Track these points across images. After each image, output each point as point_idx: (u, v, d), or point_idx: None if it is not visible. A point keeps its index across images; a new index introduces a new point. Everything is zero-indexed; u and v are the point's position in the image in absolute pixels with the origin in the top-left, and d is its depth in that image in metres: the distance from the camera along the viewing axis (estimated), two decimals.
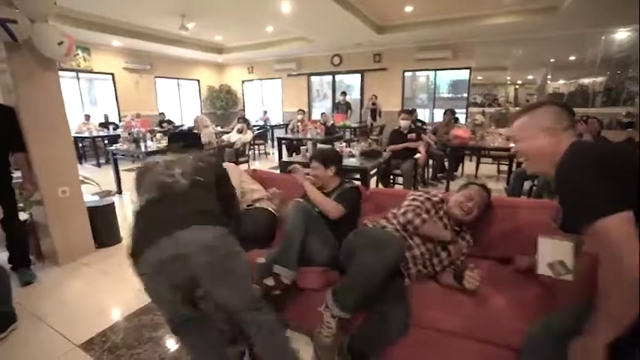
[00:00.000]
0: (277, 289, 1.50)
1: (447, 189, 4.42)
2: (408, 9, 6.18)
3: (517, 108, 7.85)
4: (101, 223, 2.89)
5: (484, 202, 1.66)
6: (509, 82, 8.12)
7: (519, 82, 8.16)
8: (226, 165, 2.26)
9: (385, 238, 1.41)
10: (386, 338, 1.35)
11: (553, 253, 1.12)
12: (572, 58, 7.31)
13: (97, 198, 3.12)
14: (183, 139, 1.73)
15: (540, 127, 0.99)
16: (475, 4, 5.85)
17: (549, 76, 7.60)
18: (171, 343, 1.75)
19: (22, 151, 2.32)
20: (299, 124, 6.00)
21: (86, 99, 8.20)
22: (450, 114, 5.60)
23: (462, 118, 7.97)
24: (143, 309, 2.04)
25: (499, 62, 7.94)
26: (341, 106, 8.42)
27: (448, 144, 4.67)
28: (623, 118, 6.51)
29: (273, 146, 8.66)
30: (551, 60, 7.44)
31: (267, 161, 7.33)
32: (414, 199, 1.64)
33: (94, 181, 3.34)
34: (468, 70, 8.26)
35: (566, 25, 6.23)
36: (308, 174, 1.93)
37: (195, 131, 3.52)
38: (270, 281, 1.50)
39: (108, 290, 2.31)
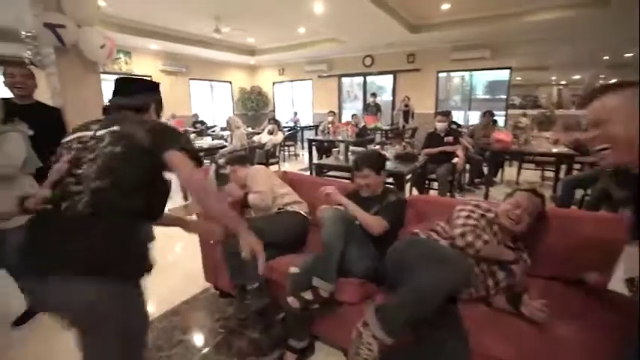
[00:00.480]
0: (316, 302, 1.42)
1: (486, 196, 4.16)
2: (445, 6, 5.93)
3: (561, 110, 7.36)
4: None
5: (536, 208, 1.47)
6: (553, 83, 7.62)
7: (563, 82, 7.64)
8: (256, 167, 2.23)
9: (450, 255, 1.26)
10: None
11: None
12: (627, 55, 6.72)
13: None
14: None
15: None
16: (518, 0, 5.51)
17: (602, 76, 7.03)
18: (200, 348, 1.72)
19: None
20: (330, 125, 5.93)
21: None
22: (489, 116, 5.30)
23: (500, 120, 7.56)
24: (174, 310, 2.05)
25: (542, 61, 7.48)
26: (370, 108, 8.27)
27: (488, 148, 4.40)
28: None
29: (302, 147, 8.65)
30: (605, 58, 6.87)
31: (297, 163, 7.32)
32: (467, 217, 1.46)
33: None
34: (507, 71, 7.82)
35: (622, 18, 5.71)
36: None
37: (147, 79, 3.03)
38: (308, 295, 1.42)
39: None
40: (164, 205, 1.10)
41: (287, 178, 2.37)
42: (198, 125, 8.39)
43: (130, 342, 0.96)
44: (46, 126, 2.27)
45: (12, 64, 2.11)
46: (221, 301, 2.14)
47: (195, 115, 8.93)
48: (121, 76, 1.39)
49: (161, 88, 1.33)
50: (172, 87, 9.09)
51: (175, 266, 2.65)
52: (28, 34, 2.38)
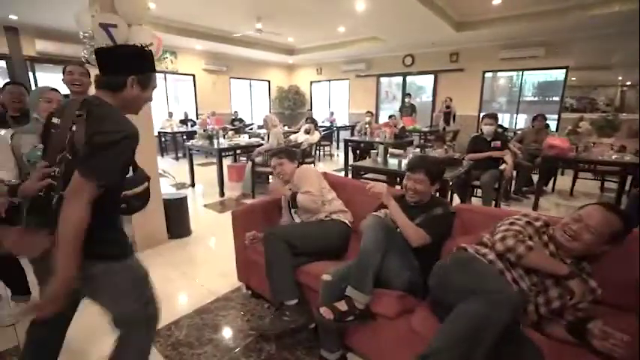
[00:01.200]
0: (351, 314, 1.33)
1: (535, 206, 3.83)
2: (496, 2, 5.55)
3: (624, 114, 6.62)
4: (175, 215, 3.05)
5: (610, 227, 1.17)
6: (617, 83, 6.88)
7: (628, 82, 6.87)
8: (306, 167, 2.16)
9: (495, 287, 1.10)
10: None
11: None
12: None
13: (173, 190, 3.29)
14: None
15: None
16: None
17: None
18: (230, 349, 1.70)
19: None
20: (367, 126, 5.79)
21: (171, 98, 9.03)
22: (542, 120, 4.89)
23: (551, 125, 6.98)
24: (205, 307, 2.06)
25: (604, 60, 6.77)
26: (405, 109, 7.99)
27: (540, 154, 4.05)
28: None
29: (337, 148, 8.58)
30: None
31: (332, 163, 7.25)
32: (511, 223, 1.32)
33: (171, 174, 3.55)
34: (562, 70, 7.21)
35: None
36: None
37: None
38: (342, 306, 1.34)
39: (175, 282, 2.38)
40: (119, 196, 1.19)
41: (327, 179, 2.30)
42: (236, 123, 8.61)
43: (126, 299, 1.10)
44: None
45: (71, 62, 2.24)
46: (253, 301, 2.11)
47: (235, 113, 9.18)
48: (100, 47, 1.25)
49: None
50: (214, 85, 9.41)
51: (209, 264, 2.67)
52: (86, 34, 2.51)
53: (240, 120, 9.06)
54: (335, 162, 7.36)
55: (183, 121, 8.21)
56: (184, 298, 2.20)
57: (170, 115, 8.02)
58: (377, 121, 8.80)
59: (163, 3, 5.42)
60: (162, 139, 7.85)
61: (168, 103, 8.78)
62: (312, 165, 4.84)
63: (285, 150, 2.21)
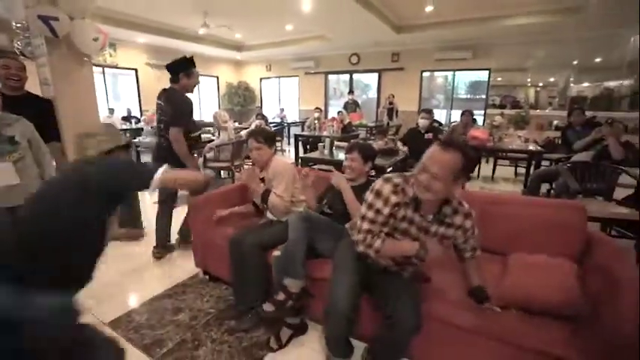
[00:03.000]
0: (289, 299, 1.57)
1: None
2: (429, 9, 6.11)
3: (538, 111, 7.71)
4: (125, 211, 3.02)
5: (452, 168, 1.16)
6: (529, 85, 7.96)
7: (540, 84, 7.99)
8: (285, 165, 2.07)
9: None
10: (399, 342, 1.34)
11: None
12: (597, 60, 7.10)
13: None
14: None
15: None
16: (497, 4, 5.77)
17: (572, 79, 7.41)
18: (192, 326, 1.84)
19: (57, 140, 2.46)
20: (316, 121, 6.06)
21: (110, 93, 8.49)
22: (469, 115, 5.55)
23: (480, 119, 7.87)
24: (163, 294, 2.15)
25: (520, 64, 7.79)
26: (350, 105, 8.44)
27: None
28: None
29: (289, 143, 8.76)
30: (575, 62, 7.25)
31: (283, 158, 7.43)
32: (362, 218, 1.38)
33: None
34: (487, 72, 8.14)
35: (592, 25, 6.06)
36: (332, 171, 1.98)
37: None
38: (280, 296, 1.58)
39: (132, 275, 2.42)
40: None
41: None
42: None
43: None
44: (37, 117, 2.32)
45: (7, 56, 2.16)
46: (211, 284, 2.25)
47: None
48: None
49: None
50: (158, 80, 9.00)
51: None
52: (19, 24, 2.41)
53: None
54: (286, 157, 7.55)
55: (126, 118, 7.80)
56: (142, 287, 2.26)
57: (111, 111, 7.56)
58: (326, 116, 9.14)
59: None
60: None
61: (107, 99, 8.26)
62: None
63: (266, 133, 2.10)
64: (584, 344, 1.16)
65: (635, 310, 1.04)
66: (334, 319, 1.39)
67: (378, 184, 1.36)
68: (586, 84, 7.42)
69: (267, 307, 1.58)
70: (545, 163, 4.56)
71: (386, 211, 1.33)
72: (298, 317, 1.76)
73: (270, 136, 2.10)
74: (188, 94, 2.47)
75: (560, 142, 4.87)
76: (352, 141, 2.37)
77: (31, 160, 1.90)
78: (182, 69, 2.38)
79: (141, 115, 8.33)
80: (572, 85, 7.44)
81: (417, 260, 1.42)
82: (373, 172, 2.09)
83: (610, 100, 7.11)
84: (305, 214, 1.75)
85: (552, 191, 3.51)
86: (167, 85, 2.42)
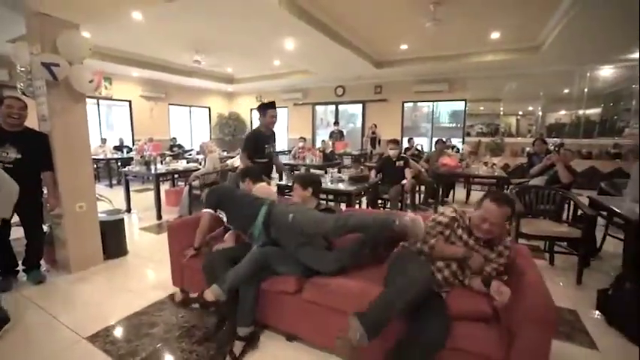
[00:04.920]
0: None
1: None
2: (403, 47, 6.70)
3: (518, 139, 8.18)
4: (110, 236, 3.21)
5: (504, 216, 1.61)
6: (502, 114, 8.48)
7: (520, 112, 8.50)
8: (264, 190, 2.43)
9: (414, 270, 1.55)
10: (424, 352, 1.41)
11: None
12: (565, 91, 7.66)
13: (105, 216, 3.36)
14: None
15: None
16: (464, 43, 6.34)
17: (539, 108, 7.95)
18: (164, 338, 2.00)
19: (51, 170, 2.70)
20: (300, 150, 6.40)
21: (104, 123, 8.82)
22: (442, 143, 5.93)
23: (460, 146, 8.29)
24: (143, 311, 2.31)
25: (493, 95, 8.35)
26: (335, 135, 8.88)
27: (436, 171, 4.97)
28: (612, 149, 6.75)
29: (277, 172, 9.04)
30: (541, 93, 7.82)
31: (270, 186, 7.66)
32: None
33: (107, 199, 3.69)
34: (463, 102, 8.69)
35: (551, 62, 6.66)
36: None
37: None
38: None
39: (112, 295, 2.58)
40: None
41: None
42: (175, 149, 8.68)
43: None
44: (34, 150, 2.59)
45: (11, 96, 2.45)
46: None
47: (174, 139, 9.22)
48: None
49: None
50: (151, 112, 9.41)
51: (144, 278, 2.91)
52: (22, 68, 2.72)
53: (180, 146, 9.13)
54: (273, 185, 7.78)
55: (118, 148, 8.07)
56: (120, 306, 2.40)
57: (103, 141, 7.84)
58: (313, 145, 9.54)
59: (98, 32, 5.58)
60: (95, 166, 7.59)
61: (100, 129, 8.57)
62: None
63: (247, 171, 2.58)
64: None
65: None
66: (418, 292, 1.45)
67: (441, 209, 1.90)
68: (563, 112, 7.90)
69: (207, 295, 1.86)
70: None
71: (445, 220, 1.73)
72: (251, 326, 1.89)
73: (251, 172, 2.56)
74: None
75: (526, 167, 5.24)
76: (294, 173, 2.70)
77: None
78: (259, 110, 3.45)
79: (133, 144, 8.63)
80: (547, 113, 7.92)
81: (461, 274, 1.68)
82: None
83: (583, 127, 7.57)
84: (255, 256, 1.91)
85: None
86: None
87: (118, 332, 2.08)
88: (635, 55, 6.15)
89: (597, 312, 2.28)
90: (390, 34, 5.89)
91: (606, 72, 7.09)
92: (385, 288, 1.57)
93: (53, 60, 2.46)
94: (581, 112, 7.54)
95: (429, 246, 1.68)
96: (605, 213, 2.98)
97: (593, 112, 7.41)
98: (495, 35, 5.80)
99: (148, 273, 3.01)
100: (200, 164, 5.35)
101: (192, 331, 2.07)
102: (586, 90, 7.24)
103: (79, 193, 2.91)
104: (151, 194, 6.28)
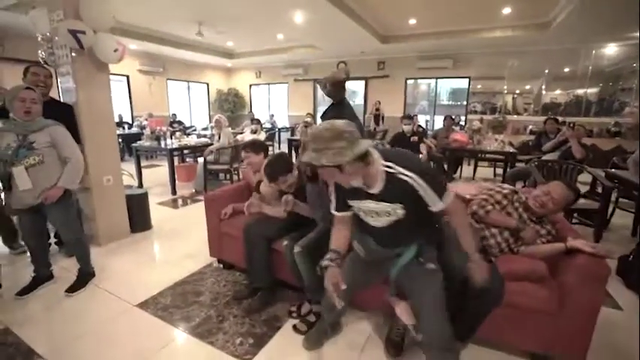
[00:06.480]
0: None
1: None
2: (412, 21, 6.58)
3: (515, 116, 8.27)
4: (136, 210, 3.22)
5: (565, 200, 1.70)
6: (506, 92, 8.51)
7: (517, 91, 8.54)
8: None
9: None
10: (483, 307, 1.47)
11: None
12: (566, 69, 7.71)
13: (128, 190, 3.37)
14: None
15: None
16: (474, 18, 6.26)
17: (543, 87, 8.01)
18: (214, 305, 2.07)
19: (78, 142, 2.65)
20: (305, 127, 6.37)
21: None
22: (450, 120, 5.97)
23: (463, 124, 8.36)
24: (183, 281, 2.37)
25: (497, 72, 8.34)
26: None
27: (447, 147, 5.03)
28: (612, 128, 6.91)
29: (279, 148, 9.01)
30: (546, 71, 7.85)
31: None
32: (483, 194, 1.85)
33: (129, 173, 3.67)
34: (467, 79, 8.67)
35: (559, 39, 6.65)
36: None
37: None
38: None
39: (147, 267, 2.62)
40: None
41: None
42: (175, 125, 8.51)
43: None
44: (60, 121, 2.52)
45: (37, 64, 2.36)
46: (225, 272, 2.49)
47: (174, 115, 9.03)
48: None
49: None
50: (149, 87, 9.14)
51: (176, 249, 2.93)
52: (42, 36, 2.61)
53: (180, 122, 8.96)
54: None
55: (119, 124, 7.87)
56: (160, 276, 2.44)
57: None
58: (315, 122, 9.46)
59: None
60: None
61: None
62: None
63: (251, 144, 2.44)
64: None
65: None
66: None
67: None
68: (559, 91, 8.01)
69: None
70: (519, 164, 5.00)
71: (505, 192, 1.81)
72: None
73: (254, 146, 2.42)
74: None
75: (532, 144, 5.34)
76: None
77: (55, 164, 2.06)
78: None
79: (132, 120, 8.43)
80: (544, 92, 8.02)
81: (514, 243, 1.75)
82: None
83: (579, 106, 7.72)
84: (305, 247, 1.83)
85: (525, 187, 3.90)
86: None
87: (167, 300, 2.14)
88: (636, 33, 6.20)
89: (617, 276, 2.43)
90: (401, 6, 5.76)
91: (610, 50, 7.12)
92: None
93: (79, 27, 2.37)
94: (581, 91, 7.63)
95: (485, 210, 1.76)
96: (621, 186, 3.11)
97: (591, 91, 7.52)
98: (507, 10, 5.73)
99: (176, 245, 3.02)
100: (209, 139, 5.30)
101: (237, 298, 2.13)
102: (590, 68, 7.29)
103: (106, 167, 2.88)
104: (159, 170, 6.26)
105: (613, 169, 3.52)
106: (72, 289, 2.21)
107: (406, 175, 1.18)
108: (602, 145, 6.69)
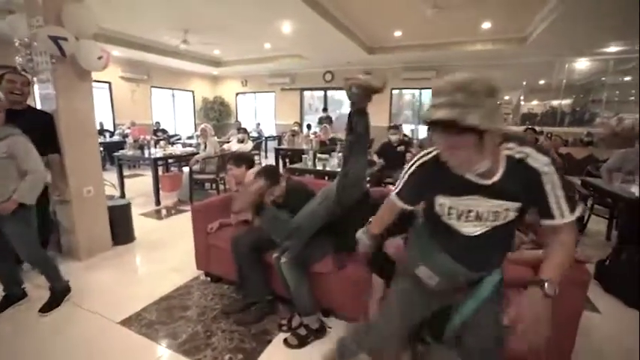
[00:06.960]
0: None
1: None
2: (397, 33, 6.74)
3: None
4: (118, 222, 3.10)
5: None
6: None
7: (498, 102, 8.85)
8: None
9: None
10: None
11: None
12: (542, 82, 8.06)
13: (110, 201, 3.25)
14: None
15: None
16: (455, 32, 6.47)
17: (522, 97, 8.34)
18: (201, 320, 2.00)
19: (57, 152, 2.56)
20: (293, 136, 6.39)
21: None
22: None
23: None
24: (168, 295, 2.29)
25: None
26: (324, 120, 8.89)
27: None
28: (585, 137, 7.26)
29: (266, 157, 8.97)
30: (524, 83, 8.18)
31: None
32: None
33: (112, 183, 3.55)
34: None
35: (535, 53, 6.96)
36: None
37: None
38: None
39: (130, 281, 2.53)
40: None
41: None
42: (159, 134, 8.33)
43: None
44: (38, 130, 2.42)
45: (13, 71, 2.27)
46: (213, 285, 2.42)
47: (157, 124, 8.85)
48: None
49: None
50: (132, 94, 8.96)
51: (160, 263, 2.82)
52: (20, 41, 2.52)
53: (164, 131, 8.78)
54: None
55: (99, 132, 7.65)
56: (144, 291, 2.35)
57: None
58: (301, 130, 9.49)
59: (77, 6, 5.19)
60: None
61: None
62: None
63: (235, 157, 2.47)
64: None
65: None
66: None
67: None
68: (536, 102, 8.35)
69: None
70: None
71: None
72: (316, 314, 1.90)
73: (236, 159, 2.42)
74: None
75: None
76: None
77: (11, 177, 1.90)
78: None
79: (114, 128, 8.21)
80: (522, 103, 8.34)
81: None
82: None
83: (555, 117, 8.07)
84: (292, 259, 1.83)
85: None
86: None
87: (151, 315, 2.05)
88: (607, 49, 6.60)
89: (594, 280, 2.50)
90: (387, 19, 5.89)
91: (582, 64, 7.51)
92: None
93: (60, 33, 2.30)
94: (556, 102, 7.99)
95: None
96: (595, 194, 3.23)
97: (565, 102, 7.91)
98: (487, 25, 5.96)
99: (161, 258, 2.92)
100: (195, 148, 5.21)
101: (226, 312, 2.07)
102: (564, 81, 7.65)
103: (87, 177, 2.78)
104: (141, 180, 6.09)
105: (588, 177, 3.66)
106: (46, 308, 2.08)
107: (539, 162, 0.84)
108: (576, 154, 6.97)
